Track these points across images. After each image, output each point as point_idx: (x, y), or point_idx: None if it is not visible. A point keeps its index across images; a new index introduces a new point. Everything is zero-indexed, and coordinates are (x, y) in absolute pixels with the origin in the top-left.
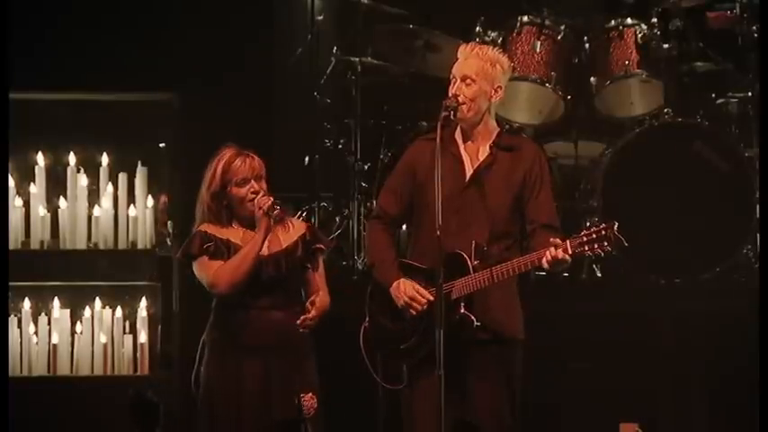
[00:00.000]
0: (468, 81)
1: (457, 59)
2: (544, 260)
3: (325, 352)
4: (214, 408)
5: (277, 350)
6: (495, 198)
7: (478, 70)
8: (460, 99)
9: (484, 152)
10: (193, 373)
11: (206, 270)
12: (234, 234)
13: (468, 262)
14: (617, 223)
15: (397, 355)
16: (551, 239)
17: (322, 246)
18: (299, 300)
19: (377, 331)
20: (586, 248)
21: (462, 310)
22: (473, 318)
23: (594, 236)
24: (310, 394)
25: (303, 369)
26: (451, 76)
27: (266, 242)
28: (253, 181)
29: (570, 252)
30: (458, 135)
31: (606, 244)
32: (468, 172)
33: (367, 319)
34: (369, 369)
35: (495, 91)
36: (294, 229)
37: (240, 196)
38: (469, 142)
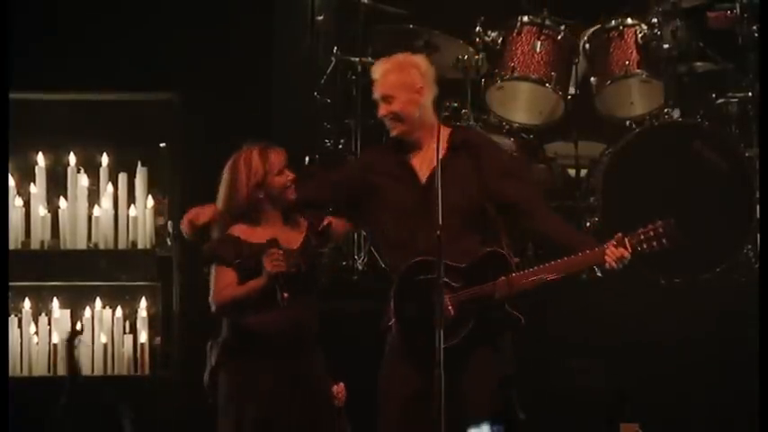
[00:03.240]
0: (389, 99)
1: (374, 81)
2: (609, 259)
3: (326, 352)
4: (244, 404)
5: (302, 344)
6: (460, 194)
7: (394, 84)
8: (389, 117)
9: (436, 154)
10: (207, 372)
11: (217, 282)
12: (266, 234)
13: (510, 260)
14: (673, 220)
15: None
16: (617, 236)
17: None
18: (315, 295)
19: (409, 333)
20: (645, 246)
21: (511, 310)
22: (521, 316)
23: (652, 233)
24: (342, 384)
25: (323, 363)
26: (375, 99)
27: (286, 239)
28: (286, 170)
29: (631, 250)
30: (405, 146)
31: (665, 241)
32: (424, 178)
33: (393, 321)
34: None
35: (419, 93)
36: (301, 224)
37: (280, 185)
38: (418, 150)
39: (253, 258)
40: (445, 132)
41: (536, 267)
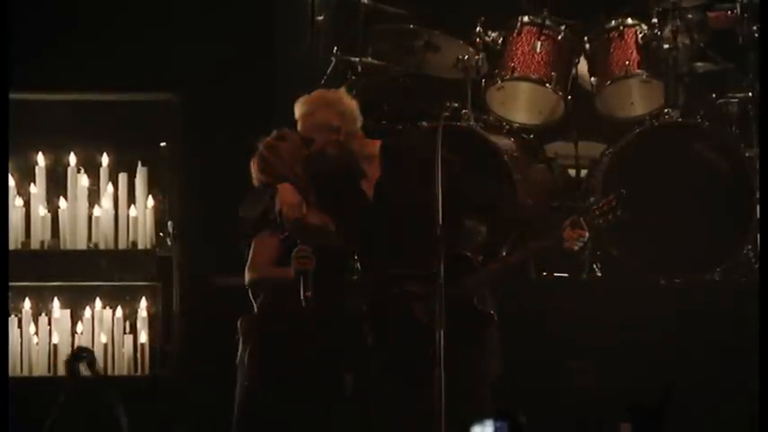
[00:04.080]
0: (308, 141)
1: (297, 120)
2: (567, 243)
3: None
4: (262, 385)
5: (327, 330)
6: (410, 206)
7: (310, 126)
8: (314, 157)
9: (375, 173)
10: (239, 354)
11: (256, 255)
12: (309, 212)
13: (473, 259)
14: (624, 191)
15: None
16: (572, 218)
17: None
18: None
19: (387, 349)
20: (602, 221)
21: (481, 308)
22: (492, 312)
23: (605, 207)
24: (350, 375)
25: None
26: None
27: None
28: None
29: (587, 228)
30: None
31: (620, 213)
32: (371, 197)
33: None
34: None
35: (337, 132)
36: None
37: (308, 153)
38: (362, 177)
39: (297, 233)
40: (374, 147)
41: (496, 260)
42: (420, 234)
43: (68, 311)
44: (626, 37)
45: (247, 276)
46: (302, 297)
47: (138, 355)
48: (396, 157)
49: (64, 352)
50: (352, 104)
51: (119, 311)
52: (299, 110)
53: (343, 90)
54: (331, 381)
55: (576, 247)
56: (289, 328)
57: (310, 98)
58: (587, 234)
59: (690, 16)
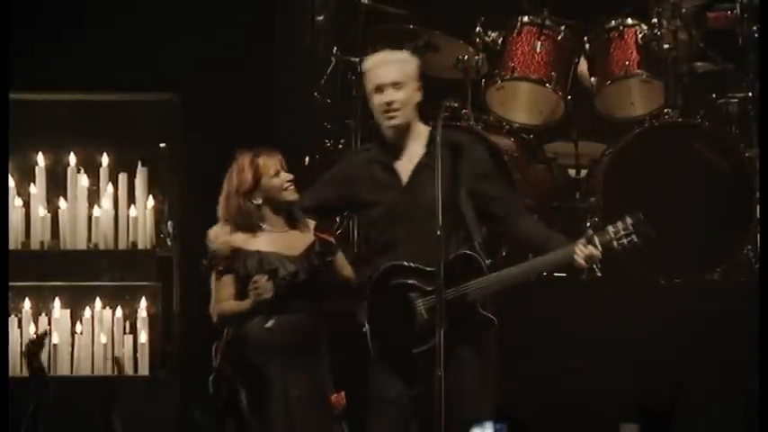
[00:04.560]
0: (399, 85)
1: (369, 71)
2: (578, 258)
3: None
4: (244, 409)
5: (304, 351)
6: (444, 194)
7: (401, 72)
8: (396, 105)
9: (418, 154)
10: (212, 376)
11: (216, 294)
12: (267, 241)
13: (482, 262)
14: (642, 215)
15: (411, 360)
16: (586, 234)
17: (333, 257)
18: (316, 301)
19: (382, 339)
20: (616, 245)
21: (484, 312)
22: (493, 317)
23: (623, 231)
24: (342, 393)
25: (327, 369)
26: (374, 88)
27: (288, 245)
28: (282, 172)
29: (601, 249)
30: (387, 148)
31: (635, 238)
32: (405, 179)
33: (366, 327)
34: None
35: (419, 89)
36: (308, 231)
37: (277, 187)
38: (400, 151)
39: (252, 266)
40: (424, 131)
41: (505, 270)
42: (440, 225)
43: (68, 311)
44: (626, 37)
45: (214, 316)
46: (265, 327)
47: (138, 355)
48: (441, 144)
49: (65, 351)
50: (414, 70)
51: (119, 311)
52: (378, 59)
53: (409, 54)
54: (310, 402)
55: (586, 265)
56: (262, 354)
57: (393, 52)
58: (599, 254)
59: (683, 10)
